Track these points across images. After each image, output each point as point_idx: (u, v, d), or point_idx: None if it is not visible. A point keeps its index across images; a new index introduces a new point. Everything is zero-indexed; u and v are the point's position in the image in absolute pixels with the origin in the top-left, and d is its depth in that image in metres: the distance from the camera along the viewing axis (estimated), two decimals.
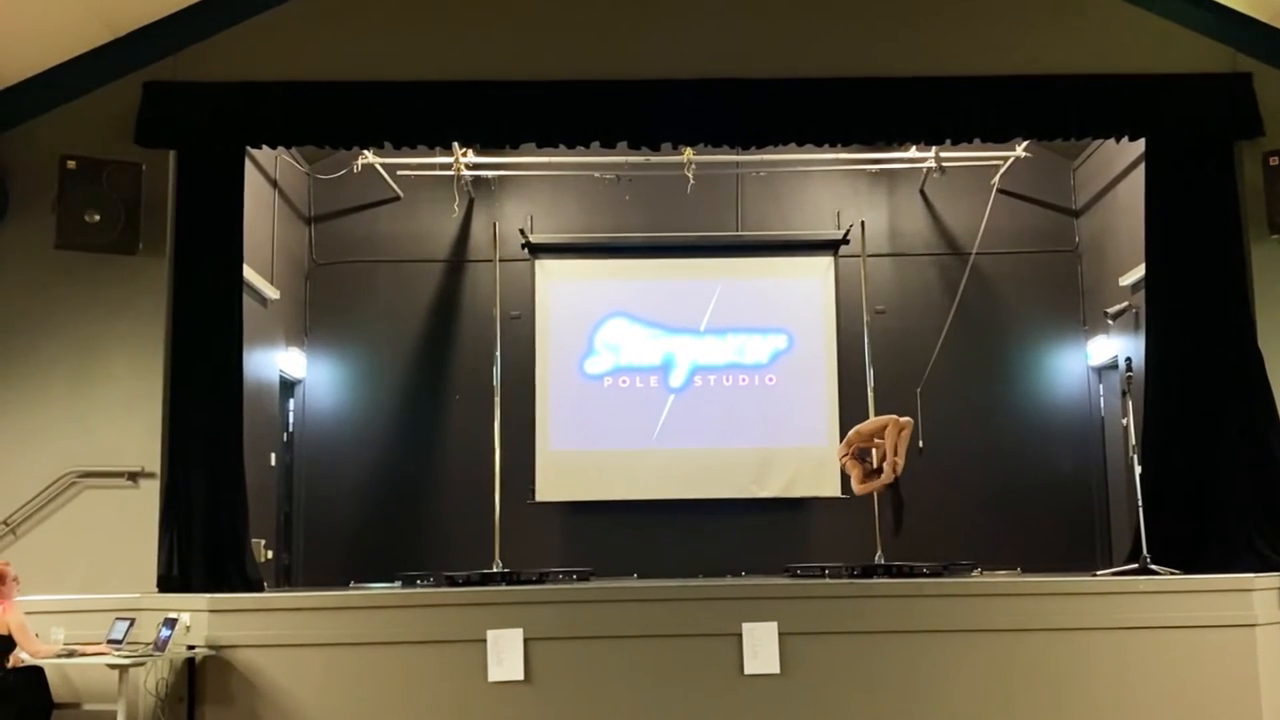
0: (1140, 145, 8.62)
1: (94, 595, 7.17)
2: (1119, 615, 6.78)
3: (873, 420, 8.72)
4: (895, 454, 8.14)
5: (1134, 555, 7.53)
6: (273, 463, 9.97)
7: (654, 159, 9.78)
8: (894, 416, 8.34)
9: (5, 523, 7.43)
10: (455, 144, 9.55)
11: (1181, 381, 7.96)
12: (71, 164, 7.52)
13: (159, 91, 7.86)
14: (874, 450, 8.42)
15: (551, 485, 10.51)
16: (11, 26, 7.36)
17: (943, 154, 10.15)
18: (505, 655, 6.70)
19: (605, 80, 8.05)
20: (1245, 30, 8.15)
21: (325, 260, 10.92)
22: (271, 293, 9.71)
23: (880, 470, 8.29)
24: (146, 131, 7.79)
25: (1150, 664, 6.72)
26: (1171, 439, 7.92)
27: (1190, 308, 8.00)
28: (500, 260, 10.24)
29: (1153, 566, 7.26)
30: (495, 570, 8.55)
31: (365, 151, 9.95)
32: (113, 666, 6.31)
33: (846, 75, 8.10)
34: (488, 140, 8.82)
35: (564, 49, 8.12)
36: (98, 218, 7.51)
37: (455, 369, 10.82)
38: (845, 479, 8.80)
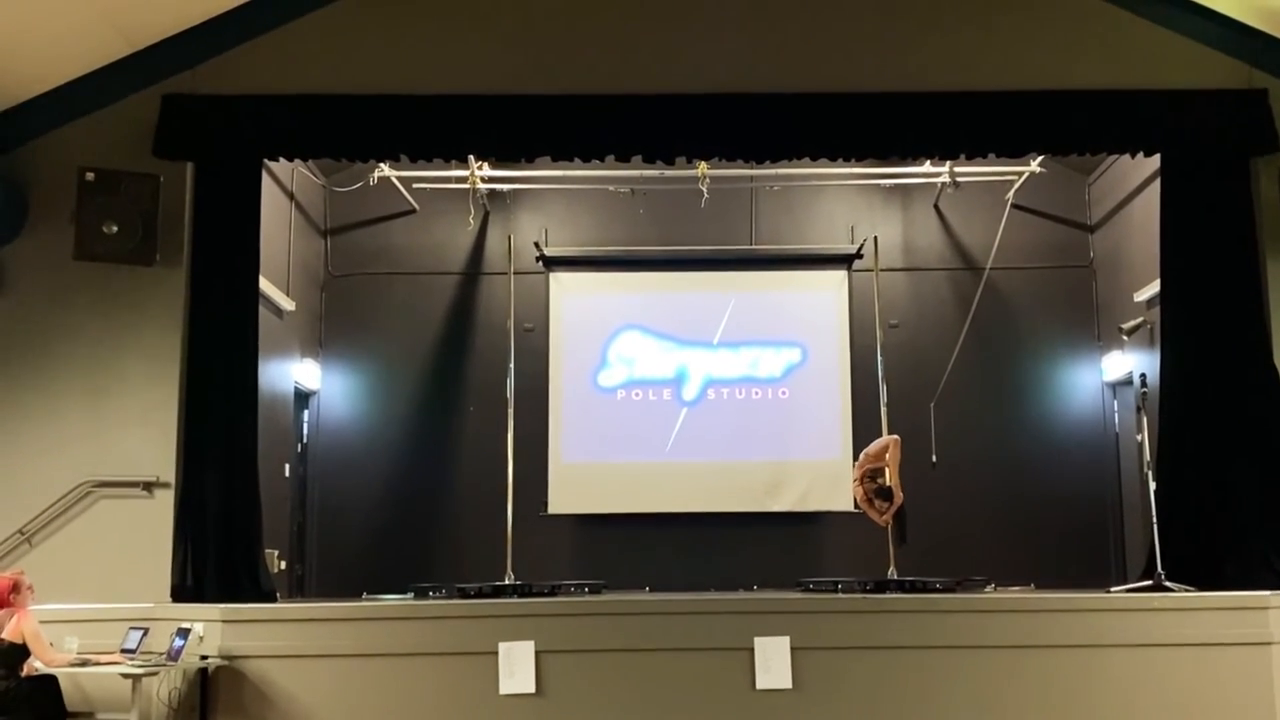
0: (1156, 161, 8.60)
1: (108, 605, 7.19)
2: (1133, 632, 6.75)
3: (877, 441, 8.78)
4: (893, 479, 8.29)
5: (1148, 572, 7.49)
6: (287, 473, 10.00)
7: (668, 173, 9.79)
8: (895, 436, 8.54)
9: (21, 532, 7.47)
10: (471, 157, 9.59)
11: (1197, 397, 7.92)
12: (90, 176, 7.59)
13: (177, 104, 7.92)
14: (886, 469, 8.45)
15: (564, 497, 10.51)
16: (32, 40, 7.43)
17: (957, 169, 10.14)
18: (517, 668, 6.70)
19: (620, 95, 8.08)
20: (1261, 46, 8.13)
21: (341, 272, 10.97)
22: (287, 304, 9.75)
23: (880, 491, 8.36)
24: (165, 144, 7.84)
25: (1165, 682, 6.67)
26: (1186, 455, 7.88)
27: (1206, 323, 7.97)
28: (514, 273, 10.25)
29: (1167, 583, 7.21)
30: (507, 582, 8.56)
31: (381, 164, 9.99)
32: (126, 676, 6.32)
33: (861, 90, 8.11)
34: (503, 154, 8.90)
35: (579, 63, 8.15)
36: (115, 229, 7.56)
37: (469, 381, 10.84)
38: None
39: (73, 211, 7.58)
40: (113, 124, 7.95)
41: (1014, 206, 10.69)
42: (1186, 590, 7.11)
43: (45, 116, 7.92)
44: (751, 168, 9.95)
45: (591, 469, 10.60)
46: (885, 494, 8.39)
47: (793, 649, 6.72)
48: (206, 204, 7.96)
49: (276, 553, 9.28)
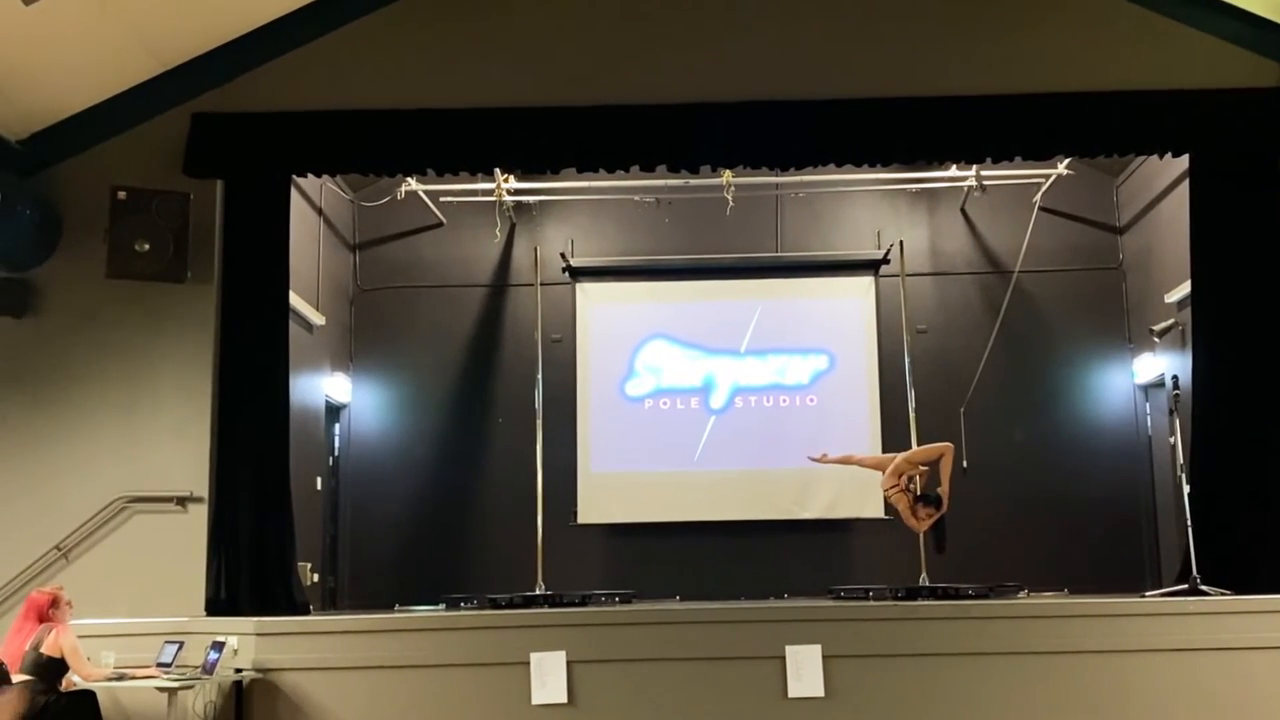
0: (1184, 161, 8.54)
1: (143, 619, 7.26)
2: (1169, 637, 6.68)
3: (924, 448, 8.55)
4: (944, 486, 8.08)
5: (1183, 576, 7.43)
6: (318, 487, 10.07)
7: (693, 181, 9.82)
8: (948, 443, 8.29)
9: (58, 548, 7.55)
10: (497, 170, 9.64)
11: (1229, 398, 7.86)
12: (122, 194, 7.65)
13: (207, 122, 8.01)
14: (917, 476, 8.34)
15: (593, 507, 10.53)
16: (63, 61, 7.53)
17: (984, 172, 10.11)
18: (548, 678, 6.71)
19: (644, 104, 8.09)
20: None
21: (370, 286, 11.05)
22: (317, 319, 9.82)
23: (928, 497, 8.17)
24: (195, 162, 7.93)
25: (1202, 687, 6.60)
26: (1220, 457, 7.81)
27: (1237, 324, 7.91)
28: (541, 284, 10.31)
29: (1203, 587, 7.15)
30: (538, 593, 8.58)
31: (409, 179, 10.06)
32: (162, 689, 6.37)
33: (885, 95, 8.09)
34: (529, 166, 8.92)
35: (603, 75, 8.17)
36: (147, 247, 7.63)
37: (497, 392, 10.89)
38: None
39: (105, 230, 7.65)
40: (144, 143, 8.04)
41: (1042, 209, 10.64)
42: (1222, 594, 7.04)
43: (77, 136, 8.01)
44: (776, 175, 9.96)
45: (620, 478, 10.60)
46: (932, 500, 8.14)
47: (825, 657, 6.70)
48: (236, 221, 8.04)
49: (309, 565, 9.33)
